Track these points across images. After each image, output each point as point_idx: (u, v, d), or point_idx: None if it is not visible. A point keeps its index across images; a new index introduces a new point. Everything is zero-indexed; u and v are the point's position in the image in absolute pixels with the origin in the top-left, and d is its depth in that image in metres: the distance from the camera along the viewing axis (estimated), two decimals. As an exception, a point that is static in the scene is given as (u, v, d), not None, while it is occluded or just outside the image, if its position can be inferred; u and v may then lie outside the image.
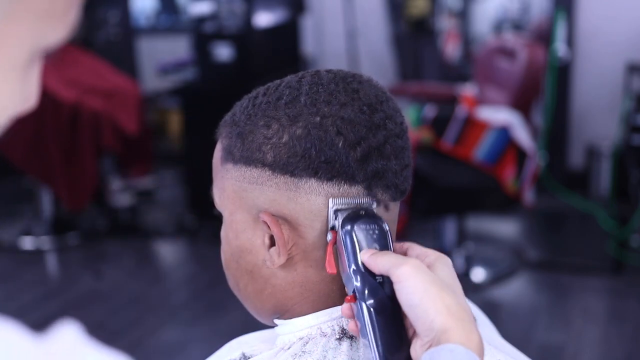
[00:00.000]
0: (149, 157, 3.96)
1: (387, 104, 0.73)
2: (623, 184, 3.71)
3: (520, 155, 3.09)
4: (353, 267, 0.66)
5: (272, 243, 0.73)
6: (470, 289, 3.14)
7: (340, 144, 0.69)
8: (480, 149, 3.08)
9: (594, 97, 4.09)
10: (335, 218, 0.69)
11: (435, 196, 3.10)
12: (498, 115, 3.11)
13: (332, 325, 0.73)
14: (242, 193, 0.74)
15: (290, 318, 0.75)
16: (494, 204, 3.32)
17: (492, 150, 3.07)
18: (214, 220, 0.79)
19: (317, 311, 0.74)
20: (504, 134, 3.06)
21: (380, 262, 0.65)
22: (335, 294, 0.74)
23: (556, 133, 4.04)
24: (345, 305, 0.67)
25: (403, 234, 3.02)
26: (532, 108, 3.30)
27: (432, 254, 0.69)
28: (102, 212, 3.98)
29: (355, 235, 0.67)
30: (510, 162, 3.07)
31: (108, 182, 3.88)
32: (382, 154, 0.71)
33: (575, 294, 3.19)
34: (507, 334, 0.96)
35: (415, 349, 0.63)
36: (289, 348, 0.73)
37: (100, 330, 2.92)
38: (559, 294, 3.20)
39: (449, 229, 3.31)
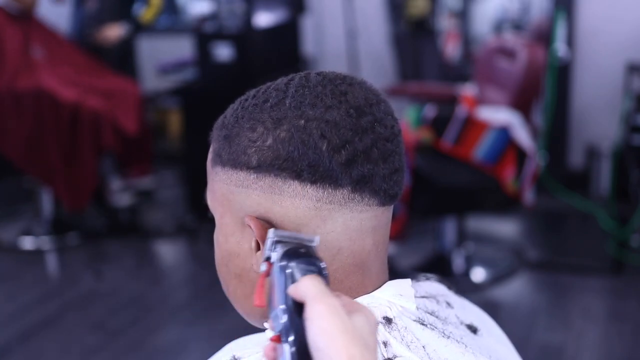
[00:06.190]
0: (148, 157, 3.96)
1: (378, 107, 0.72)
2: (623, 184, 3.70)
3: (520, 155, 3.09)
4: (283, 305, 0.59)
5: (259, 247, 0.72)
6: (470, 289, 3.14)
7: (324, 147, 0.68)
8: (480, 149, 3.08)
9: (594, 97, 4.08)
10: (274, 249, 0.63)
11: (435, 196, 3.10)
12: (498, 115, 3.11)
13: None
14: (229, 196, 0.73)
15: None
16: (494, 204, 3.32)
17: (492, 150, 3.07)
18: (213, 220, 0.79)
19: None
20: (504, 134, 3.06)
21: (301, 287, 0.58)
22: None
23: (556, 133, 4.04)
24: (269, 346, 0.61)
25: (403, 234, 3.02)
26: (532, 108, 3.29)
27: (358, 306, 0.62)
28: (102, 212, 3.98)
29: (292, 272, 0.60)
30: (510, 162, 3.07)
31: (108, 182, 3.89)
32: (369, 158, 0.69)
33: (575, 294, 3.19)
34: (507, 334, 0.95)
35: None
36: None
37: (100, 330, 2.92)
38: (559, 294, 3.20)
39: (449, 229, 3.31)
